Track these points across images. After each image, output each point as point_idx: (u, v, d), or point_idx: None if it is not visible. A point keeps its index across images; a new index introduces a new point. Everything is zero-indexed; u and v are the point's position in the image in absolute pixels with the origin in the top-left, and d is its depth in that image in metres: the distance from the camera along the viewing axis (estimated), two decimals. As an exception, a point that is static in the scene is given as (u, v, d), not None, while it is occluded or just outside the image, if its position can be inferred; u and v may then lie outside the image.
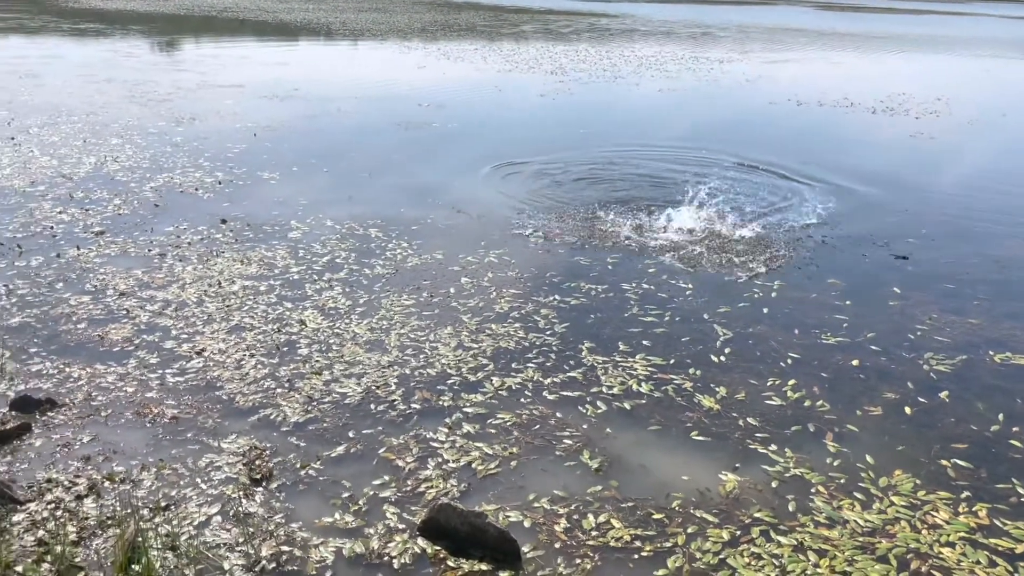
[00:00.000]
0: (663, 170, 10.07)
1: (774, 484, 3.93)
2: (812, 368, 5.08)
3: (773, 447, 4.22)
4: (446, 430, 4.24)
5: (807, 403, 4.66)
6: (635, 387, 4.75)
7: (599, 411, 4.48)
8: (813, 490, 3.89)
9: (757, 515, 3.69)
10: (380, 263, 6.62)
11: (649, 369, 4.97)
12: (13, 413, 4.22)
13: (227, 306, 5.69)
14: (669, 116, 14.42)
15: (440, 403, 4.50)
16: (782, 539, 3.53)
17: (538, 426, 4.32)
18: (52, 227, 7.17)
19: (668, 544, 3.49)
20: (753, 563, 3.38)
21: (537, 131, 12.54)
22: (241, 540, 3.37)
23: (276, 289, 6.03)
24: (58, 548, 3.18)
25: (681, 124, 13.43)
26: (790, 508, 3.75)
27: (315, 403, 4.47)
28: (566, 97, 15.85)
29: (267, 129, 11.70)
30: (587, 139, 12.00)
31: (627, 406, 4.55)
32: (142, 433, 4.12)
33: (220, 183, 8.78)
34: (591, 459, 4.05)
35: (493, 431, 4.26)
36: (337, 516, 3.57)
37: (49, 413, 4.24)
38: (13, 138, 10.42)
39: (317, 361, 4.93)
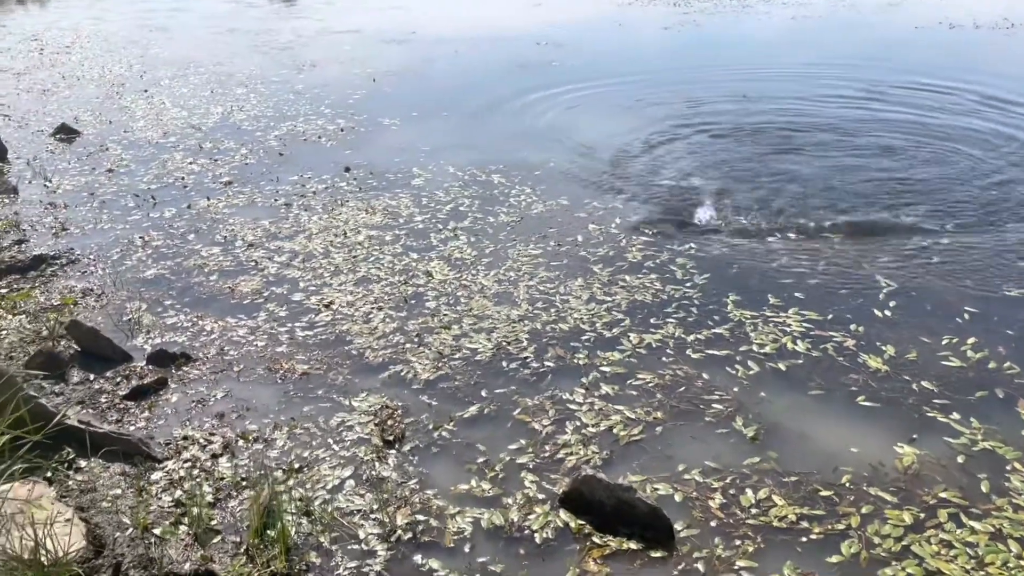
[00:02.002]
0: (812, 104, 9.27)
1: (960, 459, 3.45)
2: (993, 324, 4.48)
3: (955, 415, 3.72)
4: (583, 391, 3.96)
5: (991, 364, 4.10)
6: (789, 345, 4.31)
7: (750, 372, 4.08)
8: (1008, 467, 3.39)
9: (943, 495, 3.24)
10: (504, 211, 6.34)
11: (804, 325, 4.50)
12: (150, 367, 4.22)
13: (353, 257, 5.56)
14: (806, 46, 13.33)
15: (575, 361, 4.21)
16: (976, 524, 3.08)
17: (683, 388, 3.97)
18: (183, 178, 7.25)
19: (840, 526, 3.10)
20: (943, 552, 2.96)
21: (664, 67, 11.84)
22: (375, 507, 3.21)
23: (401, 239, 5.86)
24: (195, 510, 3.11)
25: (820, 53, 12.39)
26: (982, 488, 3.28)
27: (445, 359, 4.27)
28: (692, 30, 14.95)
29: (386, 74, 11.53)
30: (717, 73, 11.23)
31: (782, 367, 4.13)
32: (273, 390, 4.03)
33: (342, 130, 8.69)
34: (745, 426, 3.67)
35: (634, 393, 3.94)
36: (473, 483, 3.37)
37: (184, 368, 4.22)
38: (146, 90, 10.68)
39: (445, 315, 4.73)
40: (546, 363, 4.21)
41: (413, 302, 4.91)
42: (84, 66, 12.42)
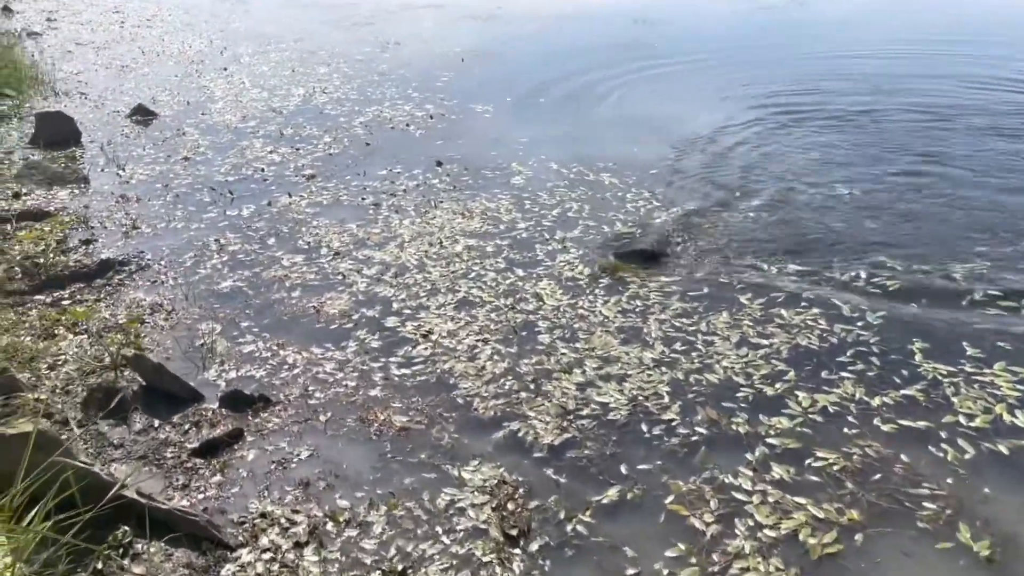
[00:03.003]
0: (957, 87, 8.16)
1: None
2: None
3: None
4: (750, 473, 3.15)
5: None
6: (1006, 417, 3.42)
7: (964, 456, 3.21)
8: None
9: None
10: (620, 218, 5.53)
11: (1019, 388, 3.59)
12: (224, 411, 3.58)
13: (451, 272, 4.84)
14: (925, 22, 12.01)
15: (733, 428, 3.40)
16: None
17: (879, 476, 3.13)
18: (263, 169, 6.64)
19: None
20: None
21: (772, 50, 10.76)
22: (502, 638, 2.49)
23: (503, 251, 5.11)
24: (275, 632, 2.44)
25: (945, 29, 11.11)
26: None
27: (570, 417, 3.51)
28: (797, 9, 13.73)
29: (473, 54, 10.77)
30: (829, 53, 10.12)
31: (1003, 448, 3.25)
32: (367, 450, 3.34)
33: (431, 117, 7.97)
34: (974, 539, 2.82)
35: (816, 480, 3.12)
36: (624, 608, 2.61)
37: (263, 414, 3.57)
38: (226, 68, 10.15)
39: (563, 354, 3.96)
40: (697, 429, 3.41)
41: (524, 334, 4.16)
42: (164, 41, 12.00)
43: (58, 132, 7.19)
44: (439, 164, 6.70)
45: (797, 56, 10.36)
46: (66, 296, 4.60)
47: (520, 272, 4.82)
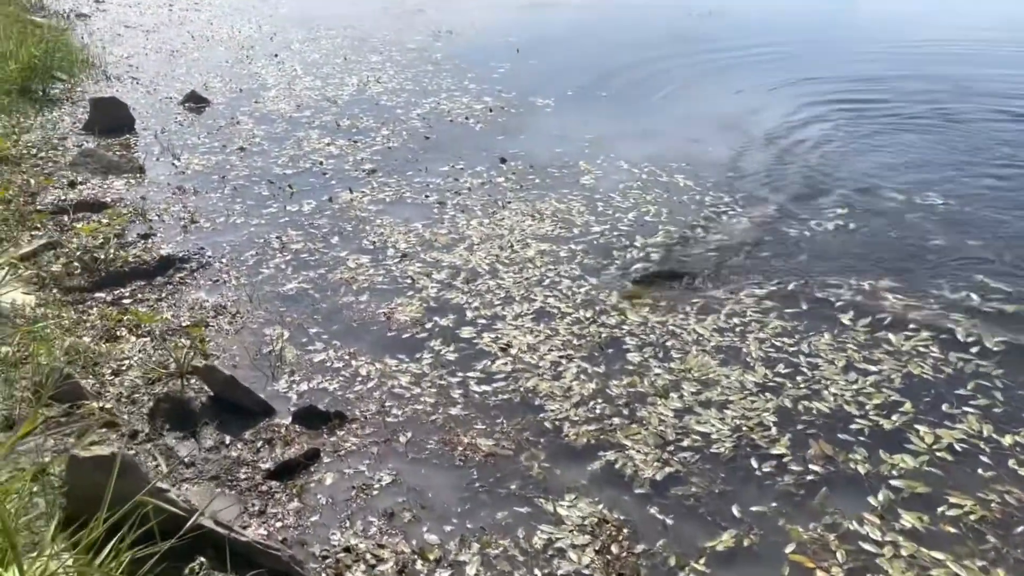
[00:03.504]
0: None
1: None
2: None
3: None
4: (876, 520, 2.86)
5: None
6: None
7: (1117, 510, 2.89)
8: None
9: None
10: (701, 225, 5.23)
11: None
12: (297, 428, 3.36)
13: (525, 279, 4.57)
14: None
15: (851, 466, 3.11)
16: None
17: (1021, 528, 2.82)
18: (321, 162, 6.41)
19: None
20: None
21: (841, 43, 10.34)
22: None
23: (578, 256, 4.84)
24: None
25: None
26: None
27: (670, 448, 3.23)
28: (868, 2, 13.22)
29: (528, 44, 10.47)
30: (909, 49, 9.68)
31: None
32: (453, 477, 3.09)
33: (491, 111, 7.70)
34: None
35: (952, 530, 2.82)
36: (754, 677, 2.34)
37: (339, 432, 3.34)
38: (277, 55, 9.96)
39: (656, 374, 3.68)
40: (811, 466, 3.12)
41: (610, 351, 3.88)
42: (213, 25, 11.84)
43: (112, 118, 7.03)
44: (503, 161, 6.43)
45: (867, 49, 9.95)
46: (127, 294, 4.41)
47: (597, 281, 4.55)
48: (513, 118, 7.53)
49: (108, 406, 3.41)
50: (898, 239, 4.98)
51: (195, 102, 7.91)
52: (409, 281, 4.60)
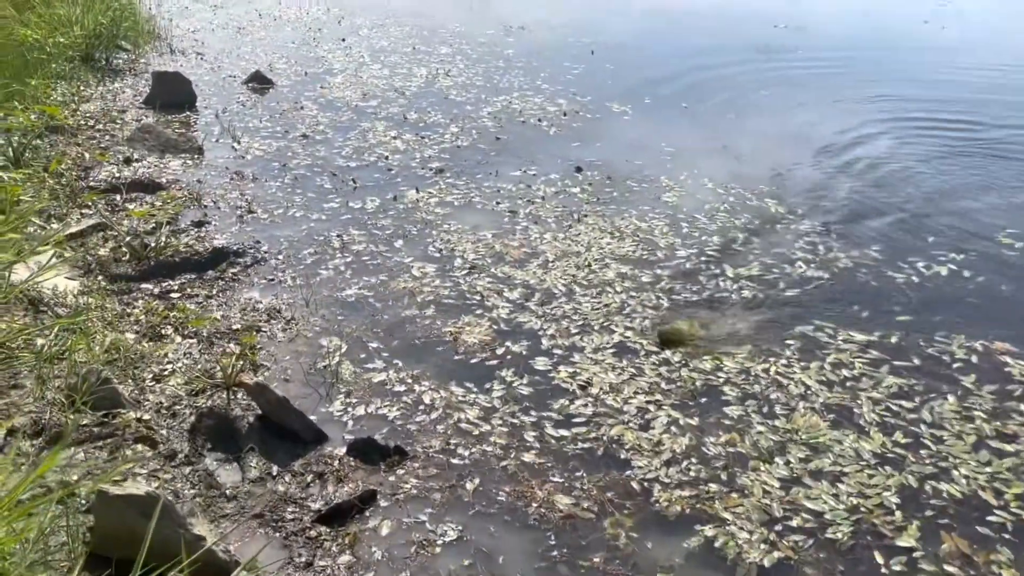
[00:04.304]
0: None
1: None
2: None
3: None
4: (1032, 645, 2.38)
5: None
6: None
7: None
8: None
9: None
10: (799, 256, 4.76)
11: None
12: (352, 462, 2.98)
13: (604, 305, 4.15)
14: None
15: (993, 569, 2.64)
16: None
17: None
18: (387, 156, 6.05)
19: None
20: None
21: (929, 67, 9.70)
22: None
23: (663, 281, 4.41)
24: None
25: None
26: None
27: (777, 527, 2.80)
28: (960, 26, 12.51)
29: (604, 46, 10.01)
30: (1007, 79, 9.03)
31: None
32: (525, 540, 2.70)
33: (565, 114, 7.27)
34: None
35: None
36: None
37: (398, 470, 2.96)
38: (344, 39, 9.64)
39: (760, 433, 3.25)
40: (947, 568, 2.66)
41: (704, 400, 3.45)
42: (281, 3, 11.58)
43: (174, 94, 6.76)
44: (579, 170, 6.02)
45: (954, 70, 9.31)
46: (175, 288, 4.09)
47: (688, 314, 4.10)
48: (589, 123, 7.10)
49: (146, 417, 3.07)
50: (1015, 294, 4.46)
51: (259, 83, 7.62)
52: (478, 298, 4.20)
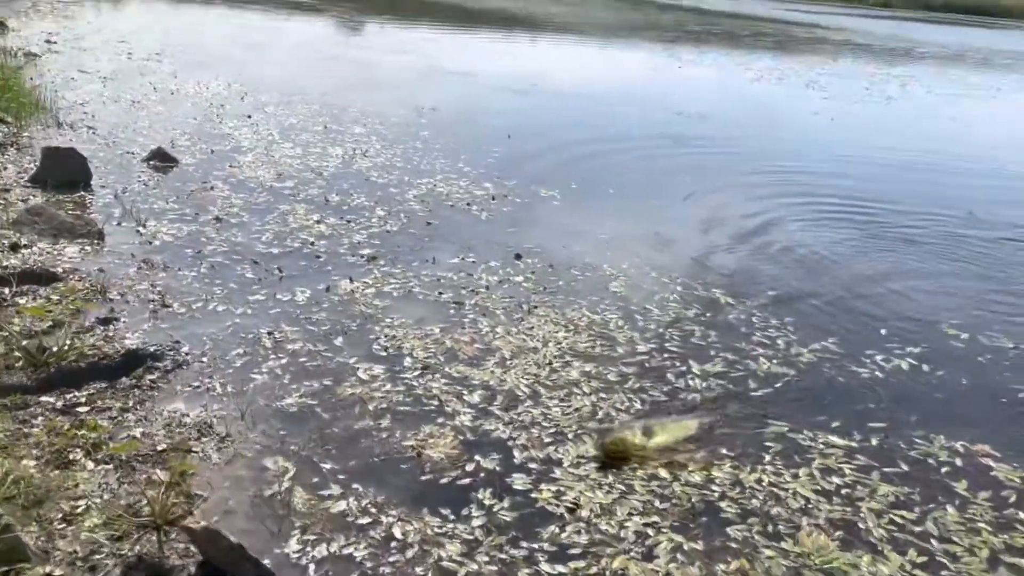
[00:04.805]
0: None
1: None
2: None
3: None
4: None
5: None
6: None
7: None
8: None
9: None
10: (759, 352, 4.61)
11: None
12: (323, 621, 2.47)
13: (575, 410, 3.83)
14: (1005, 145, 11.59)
15: None
16: None
17: None
18: (312, 242, 5.60)
19: None
20: None
21: (834, 156, 10.17)
22: None
23: (630, 381, 4.14)
24: None
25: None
26: None
27: (817, 672, 2.47)
28: (848, 119, 13.31)
29: (520, 129, 9.98)
30: (918, 173, 9.54)
31: None
32: None
33: (493, 198, 7.05)
34: None
35: None
36: None
37: (379, 629, 2.46)
38: (250, 116, 9.18)
39: (769, 558, 2.96)
40: None
41: (704, 519, 3.14)
42: (177, 78, 11.01)
43: (66, 171, 6.12)
44: (518, 257, 5.75)
45: (852, 159, 9.77)
46: (82, 400, 3.48)
47: (664, 419, 3.82)
48: (519, 208, 6.89)
49: (58, 573, 2.47)
50: (977, 388, 4.45)
51: (161, 160, 7.04)
52: (436, 403, 3.79)
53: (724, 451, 3.63)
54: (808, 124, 12.66)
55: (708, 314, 5.08)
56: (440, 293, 5.01)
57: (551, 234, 6.32)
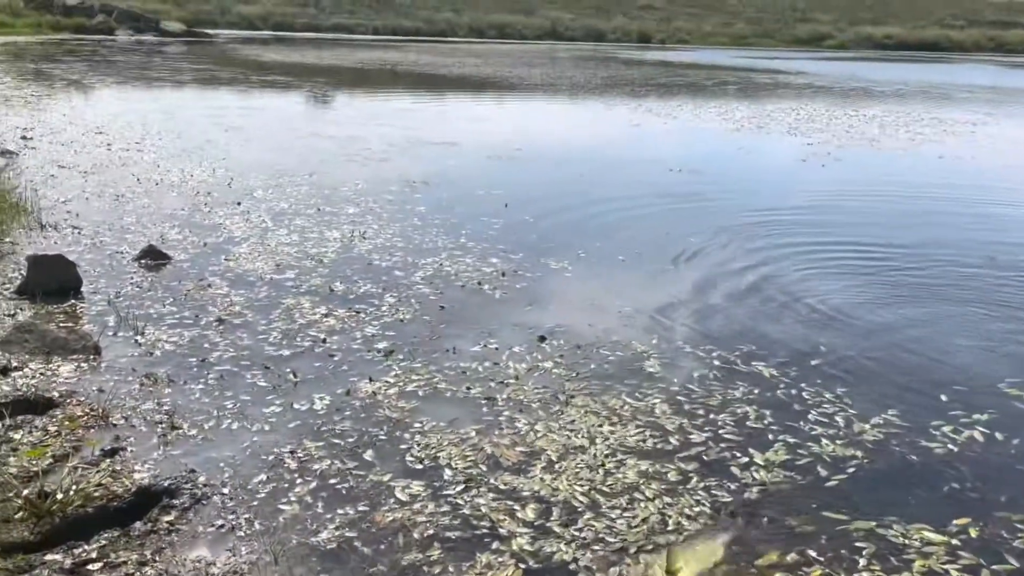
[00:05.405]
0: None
1: None
2: None
3: None
4: None
5: None
6: None
7: None
8: None
9: None
10: (819, 431, 4.28)
11: None
12: None
13: (643, 520, 3.46)
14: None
15: None
16: None
17: None
18: (324, 339, 5.25)
19: None
20: None
21: (843, 211, 10.02)
22: None
23: (692, 480, 3.79)
24: None
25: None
26: None
27: None
28: (836, 164, 13.26)
29: (515, 198, 9.76)
30: (932, 224, 9.39)
31: None
32: None
33: (504, 275, 6.75)
34: None
35: None
36: None
37: None
38: (239, 203, 8.89)
39: None
40: None
41: (814, 647, 2.75)
42: (160, 167, 10.74)
43: (54, 279, 5.76)
44: (543, 339, 5.43)
45: (865, 211, 9.61)
46: (93, 555, 3.07)
47: (744, 527, 3.46)
48: (532, 284, 6.59)
49: None
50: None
51: (153, 258, 6.70)
52: (488, 525, 3.41)
53: (813, 554, 3.27)
54: (800, 172, 12.58)
55: (755, 391, 4.76)
56: (468, 388, 4.66)
57: (571, 311, 6.01)
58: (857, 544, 3.36)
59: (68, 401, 4.21)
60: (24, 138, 12.29)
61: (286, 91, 22.28)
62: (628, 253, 7.61)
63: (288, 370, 4.78)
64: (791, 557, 3.24)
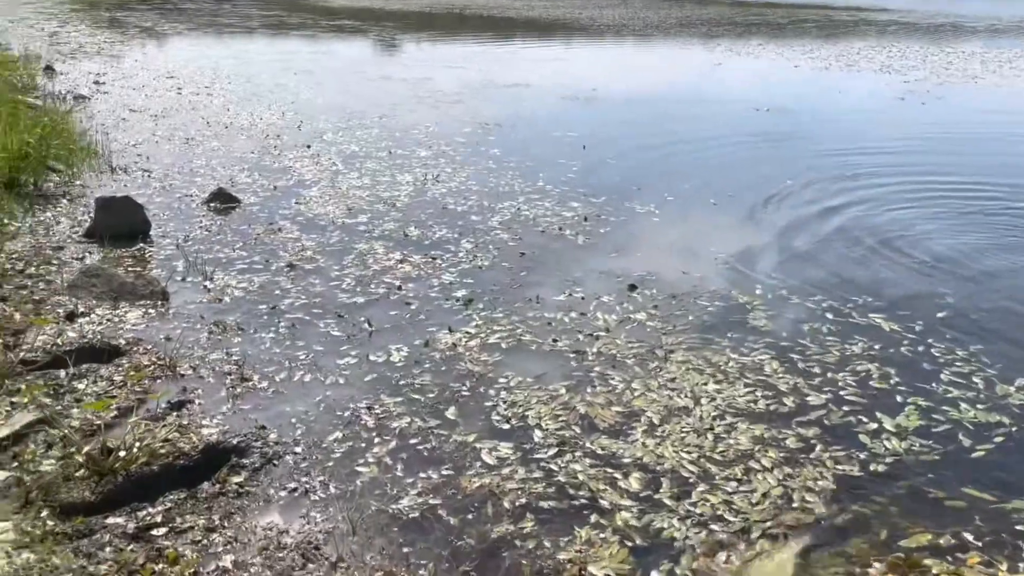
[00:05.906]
0: None
1: None
2: None
3: None
4: None
5: None
6: None
7: None
8: None
9: None
10: (955, 394, 3.76)
11: None
12: None
13: (762, 495, 3.04)
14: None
15: None
16: None
17: None
18: (399, 286, 4.92)
19: None
20: None
21: (952, 153, 9.19)
22: None
23: (816, 447, 3.35)
24: None
25: None
26: None
27: None
28: (937, 103, 12.26)
29: (590, 140, 9.23)
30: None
31: None
32: None
33: (586, 219, 6.30)
34: None
35: None
36: None
37: None
38: (309, 146, 8.59)
39: None
40: None
41: (981, 653, 2.31)
42: (229, 111, 10.52)
43: (123, 223, 5.54)
44: (633, 288, 4.99)
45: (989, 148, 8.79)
46: (158, 519, 2.81)
47: (883, 501, 3.01)
48: (617, 229, 6.13)
49: None
50: None
51: (222, 202, 6.45)
52: (586, 494, 3.04)
53: (970, 537, 2.80)
54: (899, 111, 11.68)
55: (876, 347, 4.25)
56: (555, 340, 4.27)
57: (662, 258, 5.54)
58: (1019, 527, 2.88)
59: (134, 350, 3.98)
60: (97, 83, 12.22)
61: (354, 36, 21.90)
62: (720, 196, 7.06)
63: (363, 319, 4.47)
64: (944, 540, 2.79)
